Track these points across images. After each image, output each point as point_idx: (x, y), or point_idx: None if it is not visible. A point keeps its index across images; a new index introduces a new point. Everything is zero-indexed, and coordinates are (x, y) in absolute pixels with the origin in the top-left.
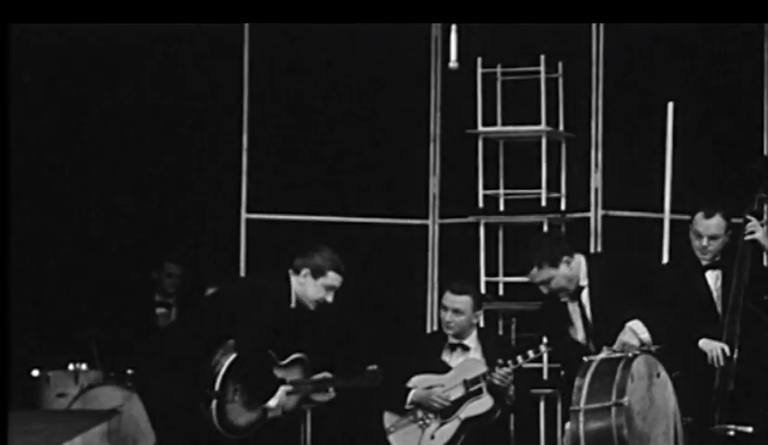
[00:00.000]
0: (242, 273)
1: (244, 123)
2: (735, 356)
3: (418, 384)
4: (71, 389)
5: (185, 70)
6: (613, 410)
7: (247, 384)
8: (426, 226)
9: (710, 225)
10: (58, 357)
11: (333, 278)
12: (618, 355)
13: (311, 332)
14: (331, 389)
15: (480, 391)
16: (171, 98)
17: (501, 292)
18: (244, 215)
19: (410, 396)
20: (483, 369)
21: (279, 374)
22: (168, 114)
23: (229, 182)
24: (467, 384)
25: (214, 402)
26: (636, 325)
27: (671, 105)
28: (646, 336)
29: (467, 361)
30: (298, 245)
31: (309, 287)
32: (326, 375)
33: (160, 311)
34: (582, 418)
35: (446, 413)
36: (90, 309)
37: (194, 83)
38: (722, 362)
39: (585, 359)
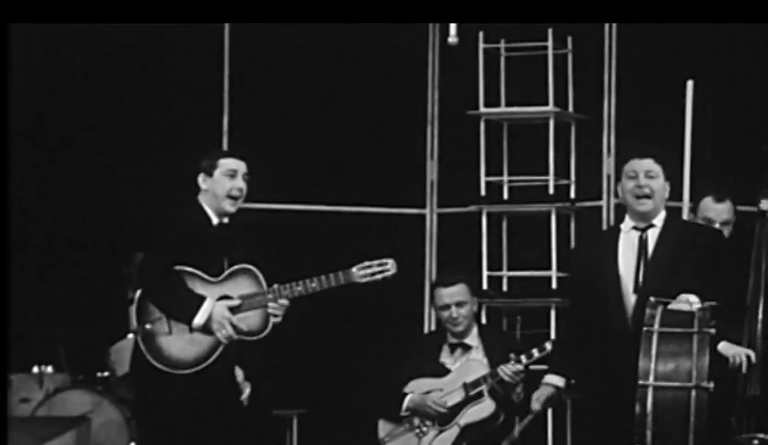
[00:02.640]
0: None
1: (225, 105)
2: (756, 358)
3: (415, 389)
4: (36, 394)
5: (163, 57)
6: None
7: (162, 309)
8: (423, 216)
9: (722, 211)
10: (21, 358)
11: (226, 163)
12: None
13: (249, 245)
14: (282, 299)
15: (480, 395)
16: (148, 88)
17: (505, 287)
18: None
19: (405, 401)
20: (484, 371)
21: (215, 290)
22: (145, 104)
23: None
24: (466, 387)
25: (139, 340)
26: (693, 297)
27: (690, 83)
28: (698, 306)
29: (468, 362)
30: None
31: (216, 186)
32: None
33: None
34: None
35: (444, 419)
36: (56, 307)
37: (173, 69)
38: (744, 370)
39: (644, 329)
